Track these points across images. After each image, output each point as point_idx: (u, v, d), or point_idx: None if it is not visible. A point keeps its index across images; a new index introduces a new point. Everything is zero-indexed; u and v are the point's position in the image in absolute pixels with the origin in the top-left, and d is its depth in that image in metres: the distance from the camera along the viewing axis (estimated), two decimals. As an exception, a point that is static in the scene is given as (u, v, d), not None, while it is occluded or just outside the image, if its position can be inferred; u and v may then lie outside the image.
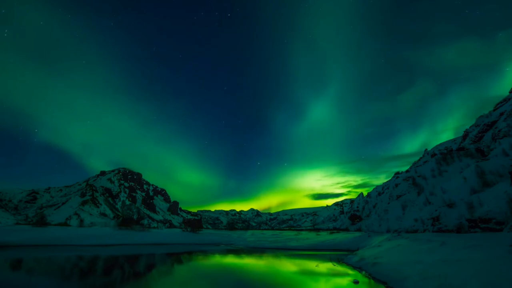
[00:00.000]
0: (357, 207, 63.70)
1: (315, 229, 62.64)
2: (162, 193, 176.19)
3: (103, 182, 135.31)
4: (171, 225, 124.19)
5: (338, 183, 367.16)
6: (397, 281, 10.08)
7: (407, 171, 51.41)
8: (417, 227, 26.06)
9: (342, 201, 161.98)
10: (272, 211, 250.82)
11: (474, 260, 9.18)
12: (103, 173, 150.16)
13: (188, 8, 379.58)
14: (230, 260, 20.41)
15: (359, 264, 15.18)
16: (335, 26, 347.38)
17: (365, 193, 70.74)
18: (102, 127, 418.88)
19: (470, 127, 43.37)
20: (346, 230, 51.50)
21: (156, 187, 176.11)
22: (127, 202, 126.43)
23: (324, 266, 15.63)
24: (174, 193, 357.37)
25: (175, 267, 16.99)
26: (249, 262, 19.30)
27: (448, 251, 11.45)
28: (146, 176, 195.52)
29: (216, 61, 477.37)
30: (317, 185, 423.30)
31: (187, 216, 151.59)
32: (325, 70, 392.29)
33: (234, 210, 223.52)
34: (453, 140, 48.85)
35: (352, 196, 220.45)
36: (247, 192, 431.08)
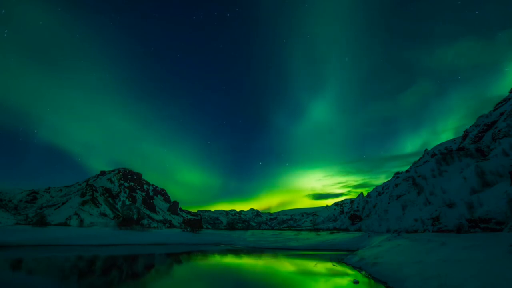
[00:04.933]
0: (357, 207, 63.65)
1: (315, 229, 62.57)
2: (162, 193, 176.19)
3: (103, 182, 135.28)
4: (171, 225, 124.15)
5: (338, 183, 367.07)
6: (397, 281, 10.08)
7: (407, 171, 51.39)
8: (417, 227, 26.04)
9: (342, 201, 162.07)
10: (272, 211, 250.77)
11: (474, 260, 9.18)
12: (103, 173, 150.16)
13: (188, 8, 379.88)
14: (230, 260, 20.41)
15: (359, 264, 15.17)
16: (335, 26, 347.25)
17: (365, 193, 70.77)
18: (102, 127, 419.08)
19: (470, 127, 43.37)
20: (346, 230, 51.46)
21: (156, 187, 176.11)
22: (127, 202, 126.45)
23: (324, 266, 15.62)
24: (174, 193, 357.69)
25: (175, 267, 16.98)
26: (248, 262, 19.29)
27: (448, 251, 11.44)
28: (146, 176, 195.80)
29: (216, 61, 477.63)
30: (317, 185, 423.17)
31: (187, 216, 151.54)
32: (325, 70, 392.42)
33: (234, 210, 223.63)
34: (453, 140, 48.85)
35: (352, 196, 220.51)
36: (247, 192, 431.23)
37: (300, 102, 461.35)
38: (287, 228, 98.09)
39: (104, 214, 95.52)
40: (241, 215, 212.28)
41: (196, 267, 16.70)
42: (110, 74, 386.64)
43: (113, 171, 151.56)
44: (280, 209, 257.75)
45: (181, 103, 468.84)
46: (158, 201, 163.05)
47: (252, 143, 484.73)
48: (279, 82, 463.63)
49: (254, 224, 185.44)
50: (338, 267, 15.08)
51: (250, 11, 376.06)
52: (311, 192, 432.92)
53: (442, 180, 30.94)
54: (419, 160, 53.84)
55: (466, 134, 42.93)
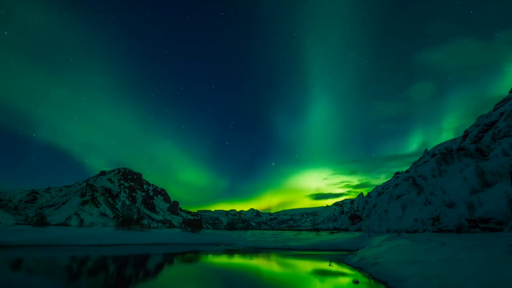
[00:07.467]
0: (357, 207, 63.65)
1: (315, 229, 62.58)
2: (162, 193, 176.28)
3: (103, 182, 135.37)
4: (171, 225, 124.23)
5: (338, 183, 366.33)
6: (397, 281, 10.08)
7: (407, 171, 51.40)
8: (417, 227, 26.04)
9: (342, 201, 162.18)
10: (272, 211, 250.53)
11: (474, 260, 9.18)
12: (103, 173, 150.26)
13: (188, 8, 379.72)
14: (230, 260, 20.42)
15: (359, 264, 15.17)
16: (334, 26, 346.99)
17: (365, 193, 70.74)
18: (102, 127, 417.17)
19: (470, 127, 43.40)
20: (346, 230, 51.45)
21: (156, 187, 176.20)
22: (127, 202, 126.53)
23: (324, 266, 15.63)
24: (174, 193, 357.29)
25: (175, 267, 16.99)
26: (248, 262, 19.29)
27: (448, 251, 11.44)
28: (146, 176, 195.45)
29: (215, 61, 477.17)
30: (317, 185, 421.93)
31: (187, 216, 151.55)
32: (325, 69, 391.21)
33: (234, 210, 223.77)
34: (453, 140, 48.88)
35: (352, 196, 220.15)
36: (247, 192, 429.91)
37: (300, 102, 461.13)
38: (287, 228, 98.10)
39: (104, 214, 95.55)
40: (241, 215, 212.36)
41: (195, 267, 16.70)
42: (110, 74, 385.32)
43: (113, 171, 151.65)
44: (280, 209, 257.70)
45: (181, 103, 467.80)
46: (158, 201, 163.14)
47: (252, 143, 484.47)
48: (280, 82, 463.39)
49: (254, 224, 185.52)
50: (338, 267, 15.08)
51: (251, 11, 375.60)
52: (311, 192, 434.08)
53: (442, 180, 30.95)
54: (419, 160, 53.86)
55: (466, 134, 42.94)
